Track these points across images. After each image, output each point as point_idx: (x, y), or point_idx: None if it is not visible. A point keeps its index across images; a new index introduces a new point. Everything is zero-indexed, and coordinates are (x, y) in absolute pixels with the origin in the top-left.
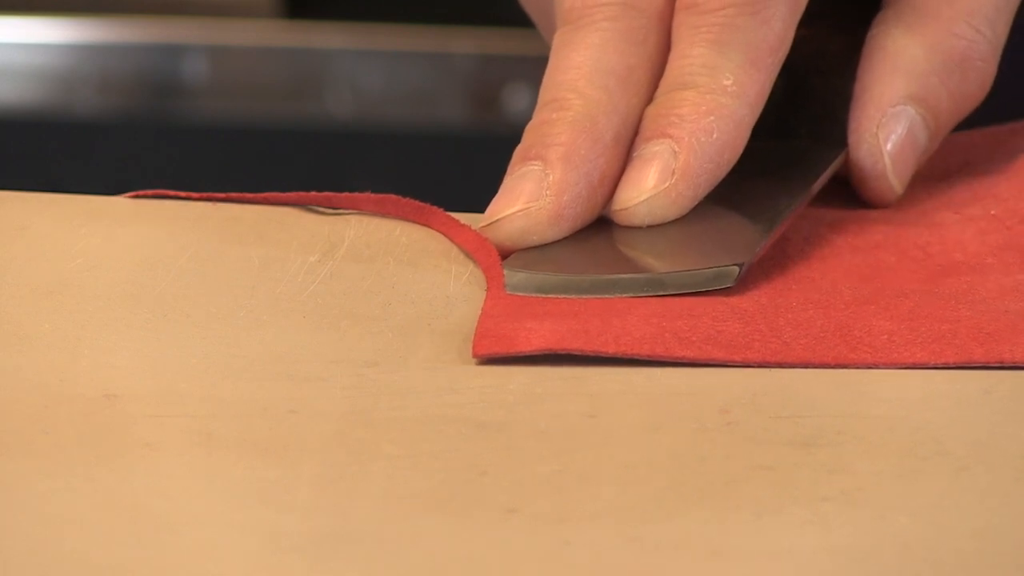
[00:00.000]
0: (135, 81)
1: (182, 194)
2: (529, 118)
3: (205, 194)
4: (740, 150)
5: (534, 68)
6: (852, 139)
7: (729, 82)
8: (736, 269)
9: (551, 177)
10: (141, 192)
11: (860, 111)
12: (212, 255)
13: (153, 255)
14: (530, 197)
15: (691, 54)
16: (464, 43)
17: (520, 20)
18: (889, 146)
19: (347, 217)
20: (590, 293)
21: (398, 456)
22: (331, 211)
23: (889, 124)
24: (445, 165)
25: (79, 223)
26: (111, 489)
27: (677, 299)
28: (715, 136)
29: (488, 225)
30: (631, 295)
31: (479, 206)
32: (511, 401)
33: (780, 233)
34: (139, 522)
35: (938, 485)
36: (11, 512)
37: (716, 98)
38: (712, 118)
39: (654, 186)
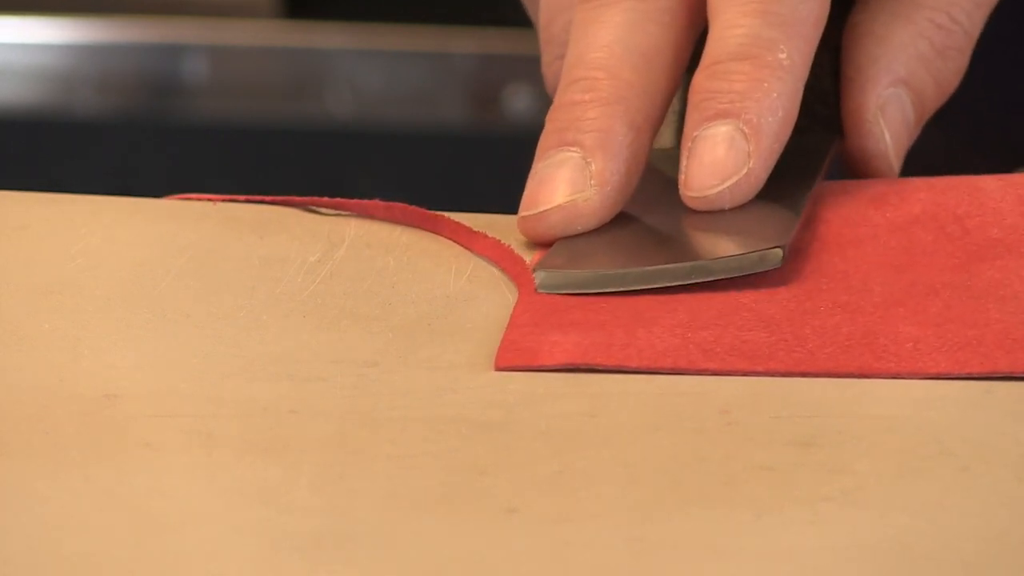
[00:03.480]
0: (135, 81)
1: (216, 197)
2: (529, 118)
3: (228, 196)
4: (793, 127)
5: (534, 68)
6: (851, 120)
7: (784, 56)
8: (780, 251)
9: (593, 166)
10: (182, 195)
11: (858, 92)
12: (212, 255)
13: (153, 255)
14: (574, 188)
15: (740, 24)
16: (464, 43)
17: (520, 20)
18: (889, 127)
19: (347, 217)
20: (636, 285)
21: (398, 456)
22: (332, 211)
23: (887, 106)
24: (445, 165)
25: (79, 223)
26: (111, 489)
27: (705, 305)
28: (780, 115)
29: (531, 216)
30: (678, 283)
31: (479, 206)
32: (511, 401)
33: (806, 215)
34: (139, 522)
35: (939, 485)
36: (11, 512)
37: (774, 73)
38: (775, 95)
39: (732, 170)
